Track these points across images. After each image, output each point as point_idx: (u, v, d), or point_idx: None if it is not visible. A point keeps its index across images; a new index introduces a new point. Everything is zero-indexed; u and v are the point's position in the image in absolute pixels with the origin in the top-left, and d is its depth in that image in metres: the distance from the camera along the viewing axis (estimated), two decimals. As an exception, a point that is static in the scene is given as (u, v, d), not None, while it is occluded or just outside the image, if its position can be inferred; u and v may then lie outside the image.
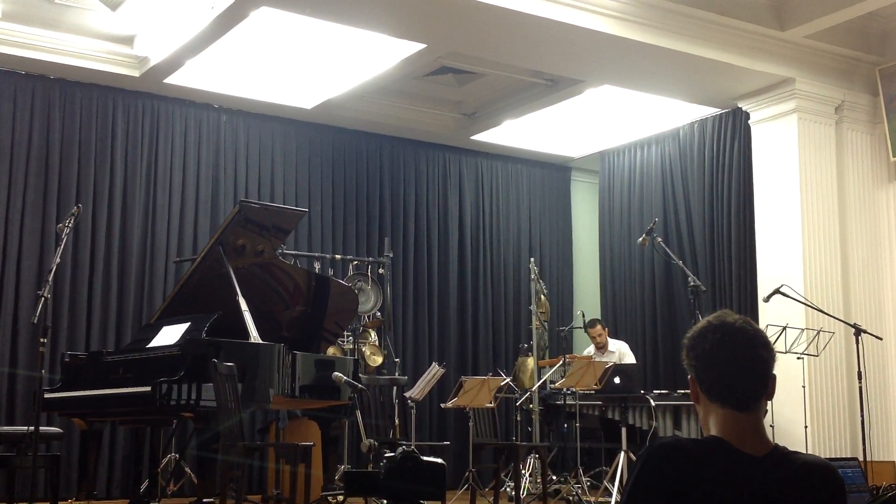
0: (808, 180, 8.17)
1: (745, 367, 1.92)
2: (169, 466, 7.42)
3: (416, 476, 4.95)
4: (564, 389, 7.90)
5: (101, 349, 7.18)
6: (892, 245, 8.40)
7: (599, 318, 9.33)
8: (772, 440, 1.93)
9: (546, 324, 9.08)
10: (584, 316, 9.15)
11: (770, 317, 7.46)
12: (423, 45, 7.64)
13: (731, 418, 1.91)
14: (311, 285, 6.36)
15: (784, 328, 6.98)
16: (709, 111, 9.10)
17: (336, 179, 9.56)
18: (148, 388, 5.15)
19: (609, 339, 8.99)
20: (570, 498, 7.57)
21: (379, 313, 8.76)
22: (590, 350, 9.00)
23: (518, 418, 8.39)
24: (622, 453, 7.30)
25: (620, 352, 8.83)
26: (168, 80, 8.27)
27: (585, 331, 9.01)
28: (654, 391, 8.26)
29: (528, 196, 10.76)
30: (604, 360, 8.44)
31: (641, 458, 1.89)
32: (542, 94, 9.04)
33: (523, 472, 7.73)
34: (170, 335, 5.58)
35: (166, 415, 5.55)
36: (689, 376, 1.99)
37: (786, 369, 7.27)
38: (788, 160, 8.22)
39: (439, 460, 5.23)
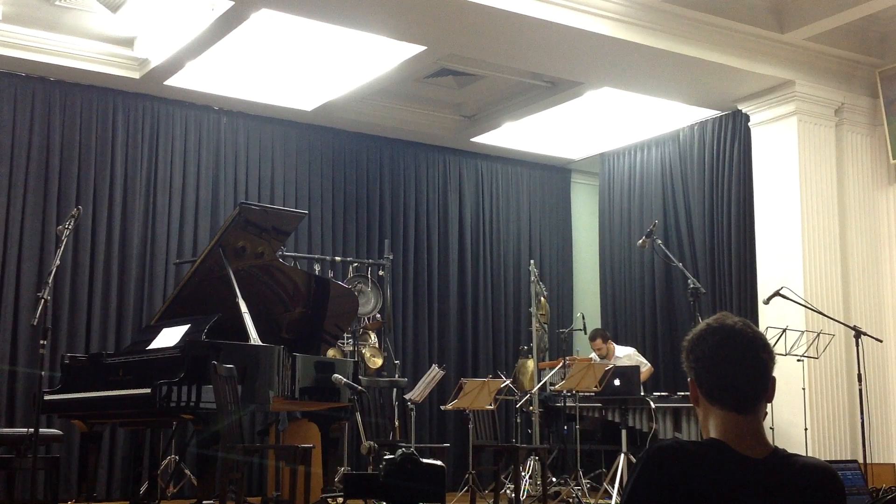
0: (807, 183, 8.17)
1: (744, 370, 1.91)
2: (169, 468, 7.41)
3: (415, 478, 4.95)
4: (564, 391, 7.90)
5: (101, 351, 7.17)
6: (892, 247, 8.40)
7: (599, 326, 9.17)
8: (771, 442, 1.93)
9: (546, 326, 9.06)
10: (583, 318, 9.13)
11: (770, 319, 7.46)
12: (423, 48, 7.65)
13: (730, 421, 1.91)
14: (311, 287, 6.36)
15: (784, 330, 6.98)
16: (709, 113, 9.10)
17: (336, 181, 9.56)
18: (148, 390, 5.15)
19: (617, 346, 8.92)
20: (570, 500, 7.56)
21: (379, 315, 8.76)
22: (594, 357, 8.89)
23: (518, 420, 8.39)
24: (622, 455, 7.29)
25: (630, 358, 8.70)
26: (168, 82, 8.28)
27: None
28: (654, 393, 8.26)
29: (528, 198, 10.76)
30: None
31: (641, 460, 1.89)
32: (541, 96, 9.03)
33: (523, 474, 7.73)
34: (170, 337, 5.58)
35: (166, 417, 5.55)
36: (688, 379, 1.99)
37: (786, 371, 7.27)
38: (788, 162, 8.22)
39: (439, 462, 5.23)
